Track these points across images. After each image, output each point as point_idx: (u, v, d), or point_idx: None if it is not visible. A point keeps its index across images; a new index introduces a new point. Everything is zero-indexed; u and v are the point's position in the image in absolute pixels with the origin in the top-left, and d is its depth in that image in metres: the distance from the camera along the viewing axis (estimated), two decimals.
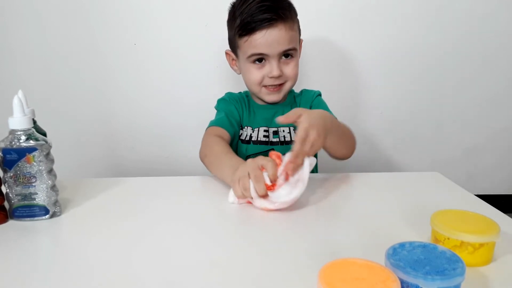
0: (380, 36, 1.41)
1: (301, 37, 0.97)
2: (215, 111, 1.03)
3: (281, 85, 0.93)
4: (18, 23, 1.36)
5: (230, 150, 0.84)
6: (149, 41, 1.39)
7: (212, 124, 0.95)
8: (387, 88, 1.47)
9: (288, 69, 0.92)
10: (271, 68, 0.89)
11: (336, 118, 0.93)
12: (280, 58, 0.90)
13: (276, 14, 0.85)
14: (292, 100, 1.02)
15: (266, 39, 0.86)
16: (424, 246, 0.43)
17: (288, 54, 0.90)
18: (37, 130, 0.67)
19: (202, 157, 0.88)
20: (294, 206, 0.68)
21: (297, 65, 0.93)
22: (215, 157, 0.83)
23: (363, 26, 1.40)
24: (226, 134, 0.92)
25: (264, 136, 0.98)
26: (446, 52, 1.43)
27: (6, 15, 1.35)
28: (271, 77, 0.90)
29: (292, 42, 0.89)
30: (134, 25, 1.37)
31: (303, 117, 0.68)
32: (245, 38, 0.88)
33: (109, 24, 1.37)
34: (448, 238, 0.48)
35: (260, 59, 0.90)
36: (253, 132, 0.98)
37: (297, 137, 0.66)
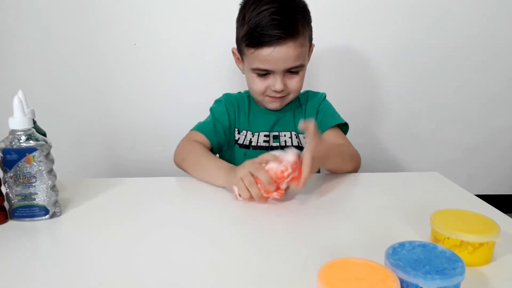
0: (380, 36, 1.41)
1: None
2: None
3: (283, 96, 0.91)
4: (18, 23, 1.36)
5: (210, 153, 0.86)
6: (149, 41, 1.39)
7: (195, 128, 0.94)
8: (387, 88, 1.47)
9: (292, 84, 0.89)
10: (275, 81, 0.87)
11: (342, 134, 0.96)
12: (285, 72, 0.87)
13: (286, 31, 0.81)
14: (296, 100, 1.00)
15: (273, 56, 0.82)
16: (423, 245, 0.43)
17: (294, 70, 0.87)
18: (37, 130, 0.67)
19: (179, 160, 0.87)
20: (294, 205, 0.68)
21: (302, 79, 0.90)
22: (196, 159, 0.84)
23: (363, 27, 1.40)
24: (206, 142, 0.91)
25: (265, 141, 0.96)
26: (446, 53, 1.43)
27: (6, 15, 1.35)
28: (273, 90, 0.88)
29: (300, 59, 0.85)
30: (134, 25, 1.37)
31: (314, 143, 0.69)
32: (251, 50, 0.85)
33: (109, 24, 1.37)
34: (448, 238, 0.48)
35: (264, 73, 0.88)
36: (253, 136, 0.97)
37: (305, 165, 0.67)
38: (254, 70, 0.87)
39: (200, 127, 0.94)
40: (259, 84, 0.89)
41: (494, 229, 0.48)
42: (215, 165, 0.80)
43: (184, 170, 0.86)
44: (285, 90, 0.89)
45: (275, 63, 0.84)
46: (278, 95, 0.90)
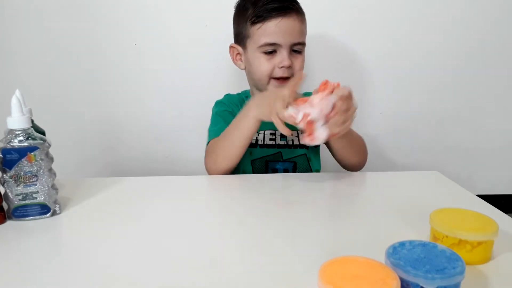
0: (380, 36, 1.41)
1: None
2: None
3: (288, 78, 0.91)
4: (18, 22, 1.36)
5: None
6: (149, 41, 1.39)
7: (211, 138, 0.93)
8: (387, 88, 1.47)
9: (297, 63, 0.92)
10: (282, 57, 0.89)
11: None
12: (290, 50, 0.90)
13: (290, 3, 0.88)
14: None
15: (280, 27, 0.87)
16: (424, 245, 0.43)
17: (297, 48, 0.91)
18: (36, 129, 0.67)
19: (212, 164, 0.86)
20: (294, 204, 0.68)
21: (304, 61, 0.94)
22: (223, 139, 0.86)
23: (363, 26, 1.40)
24: None
25: (271, 139, 0.96)
26: (446, 53, 1.43)
27: (6, 14, 1.35)
28: (281, 67, 0.89)
29: (303, 36, 0.92)
30: (134, 25, 1.37)
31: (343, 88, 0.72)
32: (258, 25, 0.88)
33: (109, 24, 1.37)
34: (447, 236, 0.48)
35: (271, 50, 0.90)
36: (258, 135, 0.97)
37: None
38: (262, 47, 0.89)
39: (215, 133, 0.92)
40: (266, 65, 0.91)
41: (493, 227, 0.48)
42: (239, 117, 0.84)
43: (224, 165, 0.85)
44: (290, 69, 0.91)
45: (282, 35, 0.88)
46: (286, 73, 0.91)
